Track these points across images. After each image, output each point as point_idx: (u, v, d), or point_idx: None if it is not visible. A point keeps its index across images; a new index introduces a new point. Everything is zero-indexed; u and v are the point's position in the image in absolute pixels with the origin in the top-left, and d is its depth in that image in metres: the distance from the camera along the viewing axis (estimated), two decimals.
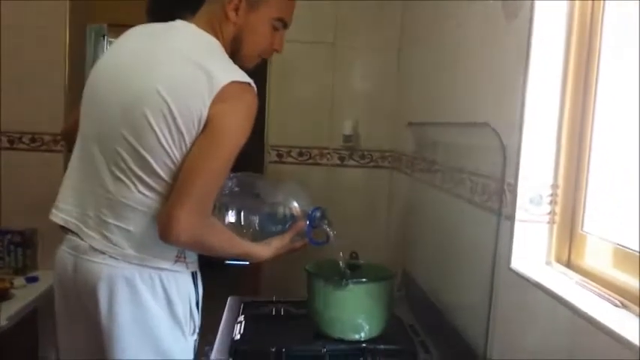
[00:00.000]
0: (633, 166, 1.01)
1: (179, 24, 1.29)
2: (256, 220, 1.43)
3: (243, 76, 1.20)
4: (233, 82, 1.17)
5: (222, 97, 1.15)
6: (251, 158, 2.84)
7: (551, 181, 1.22)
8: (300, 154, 2.56)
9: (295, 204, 1.42)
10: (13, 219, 2.43)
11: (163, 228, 1.14)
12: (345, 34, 2.52)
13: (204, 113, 1.15)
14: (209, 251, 1.24)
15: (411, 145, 2.17)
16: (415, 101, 2.23)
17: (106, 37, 4.68)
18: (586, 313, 0.94)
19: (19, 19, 2.41)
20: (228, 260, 1.34)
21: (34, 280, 2.33)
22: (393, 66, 2.53)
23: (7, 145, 2.47)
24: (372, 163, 2.58)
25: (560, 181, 1.22)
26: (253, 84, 1.21)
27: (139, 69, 1.21)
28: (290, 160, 2.56)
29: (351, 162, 2.57)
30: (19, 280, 2.29)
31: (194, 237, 1.16)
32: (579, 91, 1.19)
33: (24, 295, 2.19)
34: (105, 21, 4.52)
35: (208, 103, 1.15)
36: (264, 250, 1.34)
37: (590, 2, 1.18)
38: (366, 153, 2.57)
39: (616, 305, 0.97)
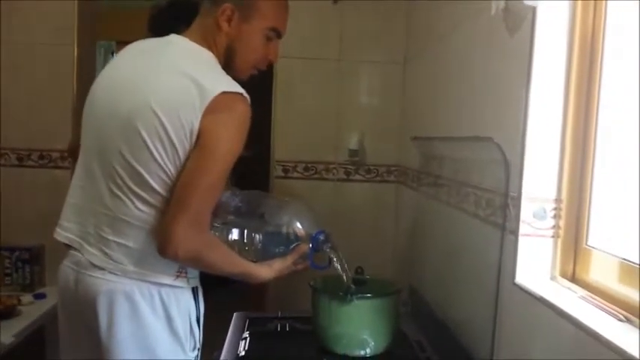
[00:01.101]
0: (637, 180, 1.00)
1: (173, 38, 1.30)
2: (259, 240, 1.43)
3: (234, 87, 1.19)
4: (224, 93, 1.16)
5: (214, 108, 1.15)
6: (257, 173, 2.87)
7: (554, 195, 1.22)
8: (306, 168, 2.56)
9: (299, 225, 1.42)
10: (21, 236, 2.44)
11: (161, 243, 1.15)
12: (350, 50, 2.53)
13: (196, 125, 1.15)
14: (208, 268, 1.25)
15: (416, 159, 2.17)
16: (420, 115, 2.23)
17: (114, 53, 4.76)
18: (589, 328, 0.94)
19: (28, 37, 2.45)
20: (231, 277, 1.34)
21: (41, 296, 2.34)
22: (398, 80, 2.53)
23: (16, 162, 2.49)
24: (378, 178, 2.58)
25: (564, 195, 1.21)
26: (245, 94, 1.20)
27: (133, 85, 1.22)
28: (296, 175, 2.56)
29: (357, 176, 2.57)
30: (26, 297, 2.29)
31: (192, 252, 1.16)
32: (582, 104, 1.19)
33: (31, 311, 2.19)
34: (114, 38, 4.59)
35: (199, 115, 1.15)
36: (265, 271, 1.34)
37: (591, 14, 1.18)
38: (372, 167, 2.57)
39: (620, 320, 0.96)
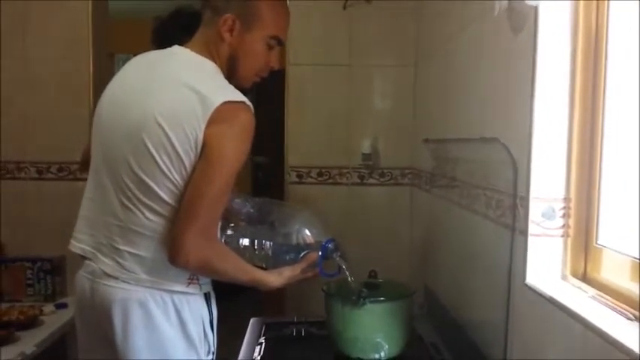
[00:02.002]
0: None
1: (176, 49, 1.32)
2: (269, 247, 1.45)
3: (237, 96, 1.20)
4: (226, 103, 1.18)
5: (217, 118, 1.17)
6: (271, 179, 2.87)
7: (563, 195, 1.21)
8: (320, 174, 2.57)
9: (309, 234, 1.43)
10: (42, 247, 2.50)
11: (171, 253, 1.17)
12: (360, 54, 2.54)
13: (200, 136, 1.17)
14: (218, 275, 1.26)
15: (429, 161, 2.16)
16: (431, 117, 2.23)
17: None
18: (597, 327, 0.93)
19: (44, 51, 2.51)
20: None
21: (63, 306, 2.39)
22: (409, 83, 2.54)
23: (36, 175, 2.55)
24: (391, 181, 2.58)
25: (573, 194, 1.20)
26: (248, 102, 1.21)
27: (138, 97, 1.24)
28: (310, 180, 2.57)
29: (371, 180, 2.58)
30: (48, 307, 2.34)
31: (202, 260, 1.18)
32: (587, 102, 1.18)
33: (53, 321, 2.24)
34: (132, 51, 4.65)
35: (203, 125, 1.16)
36: (275, 278, 1.35)
37: (594, 11, 1.17)
38: (385, 171, 2.57)
39: (629, 319, 0.95)
